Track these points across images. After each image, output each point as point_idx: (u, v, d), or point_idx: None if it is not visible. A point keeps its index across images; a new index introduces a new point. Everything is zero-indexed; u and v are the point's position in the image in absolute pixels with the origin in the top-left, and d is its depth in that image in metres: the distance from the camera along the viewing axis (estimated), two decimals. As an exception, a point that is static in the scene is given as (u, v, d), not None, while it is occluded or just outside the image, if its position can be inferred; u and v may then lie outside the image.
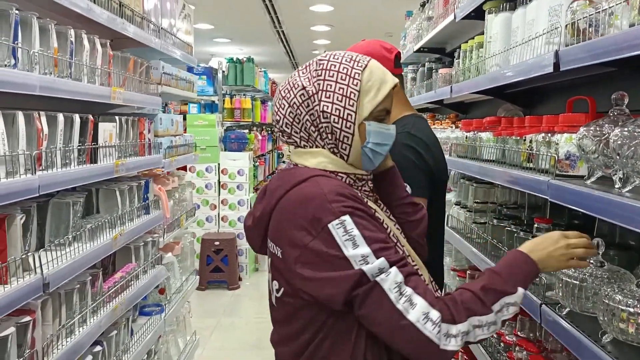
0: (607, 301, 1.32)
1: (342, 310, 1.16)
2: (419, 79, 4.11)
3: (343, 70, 1.27)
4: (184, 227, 3.48)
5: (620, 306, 1.27)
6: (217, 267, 6.01)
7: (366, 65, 1.29)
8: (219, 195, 6.40)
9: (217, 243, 6.00)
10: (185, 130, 6.15)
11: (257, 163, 7.42)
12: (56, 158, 1.85)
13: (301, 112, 1.28)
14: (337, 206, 1.15)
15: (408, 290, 1.12)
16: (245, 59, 7.04)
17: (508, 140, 2.11)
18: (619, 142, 1.28)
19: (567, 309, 1.57)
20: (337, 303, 1.15)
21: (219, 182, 6.40)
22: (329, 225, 1.14)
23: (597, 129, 1.44)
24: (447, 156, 2.82)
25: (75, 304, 2.03)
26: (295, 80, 1.30)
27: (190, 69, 6.19)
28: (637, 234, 1.79)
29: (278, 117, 1.32)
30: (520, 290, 1.20)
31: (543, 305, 1.64)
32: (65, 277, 1.86)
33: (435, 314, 1.10)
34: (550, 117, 1.81)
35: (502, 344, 2.09)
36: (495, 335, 2.18)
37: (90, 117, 2.12)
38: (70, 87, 1.91)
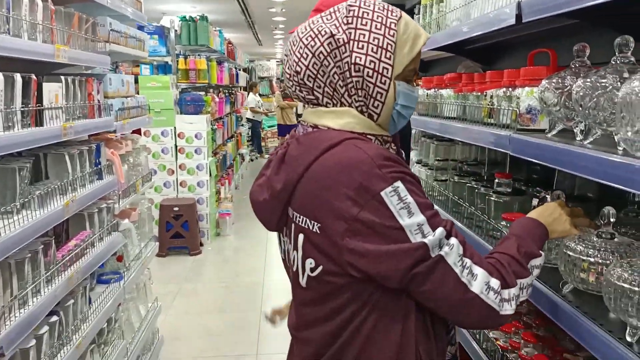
0: (568, 252, 1.34)
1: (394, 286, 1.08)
2: (378, 36, 4.04)
3: (377, 18, 1.14)
4: (140, 192, 3.38)
5: (581, 257, 1.29)
6: (177, 233, 5.92)
7: (401, 16, 1.17)
8: (177, 159, 6.25)
9: (176, 209, 5.89)
10: (137, 93, 5.94)
11: (215, 126, 7.26)
12: (-3, 121, 1.73)
13: (328, 64, 1.14)
14: (387, 171, 1.05)
15: (468, 262, 1.08)
16: (198, 18, 6.79)
17: (469, 97, 2.10)
18: (582, 93, 1.27)
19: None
20: (394, 280, 1.06)
21: (176, 147, 6.24)
22: (382, 193, 1.04)
23: (559, 81, 1.43)
24: (407, 114, 2.81)
25: (28, 273, 1.94)
26: (321, 26, 1.16)
27: (141, 28, 5.93)
28: (595, 186, 1.84)
29: (299, 68, 1.17)
30: (542, 252, 1.22)
31: (504, 259, 1.66)
32: (14, 247, 1.76)
33: (495, 282, 1.08)
34: (511, 71, 1.80)
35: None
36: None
37: (34, 76, 1.98)
38: (9, 44, 1.77)
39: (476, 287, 1.06)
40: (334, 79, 1.15)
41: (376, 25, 1.13)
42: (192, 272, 5.56)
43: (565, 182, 1.85)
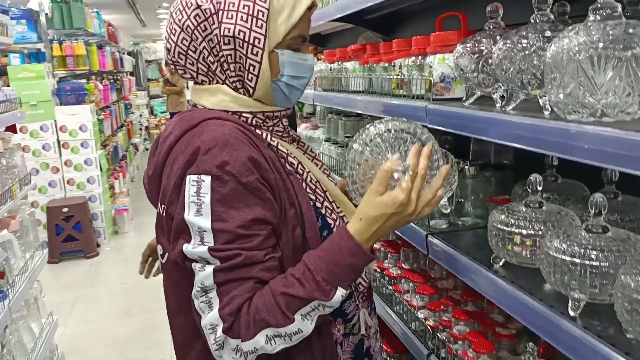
0: (497, 225, 1.27)
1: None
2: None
3: None
4: (18, 197, 2.98)
5: (513, 229, 1.23)
6: (69, 236, 5.42)
7: None
8: (61, 156, 5.69)
9: (65, 210, 5.38)
10: (7, 85, 5.31)
11: (102, 116, 6.71)
12: None
13: (197, 38, 1.07)
14: (206, 159, 0.98)
15: (212, 294, 0.98)
16: (71, -1, 6.17)
17: (376, 68, 2.00)
18: (502, 56, 1.19)
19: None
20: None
21: (59, 142, 5.67)
22: (187, 177, 1.00)
23: (475, 45, 1.35)
24: (311, 91, 2.67)
25: None
26: None
27: (4, 13, 5.27)
28: (512, 153, 1.81)
29: (169, 45, 1.10)
30: (339, 293, 0.97)
31: (429, 236, 1.58)
32: None
33: (219, 333, 0.97)
34: (420, 38, 1.71)
35: (386, 278, 2.06)
36: (378, 270, 2.14)
37: None
38: None
39: (205, 320, 0.99)
40: (205, 54, 1.08)
41: None
42: (90, 276, 5.13)
43: (480, 150, 1.81)
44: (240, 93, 1.10)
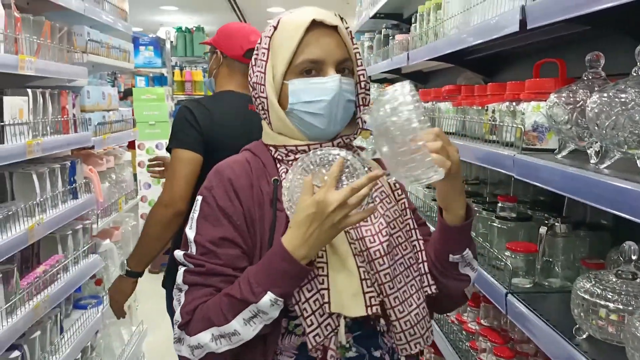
0: (582, 294, 1.15)
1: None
2: (376, 47, 3.88)
3: (262, 35, 1.17)
4: (123, 210, 3.20)
5: (598, 301, 1.10)
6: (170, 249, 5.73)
7: (278, 22, 1.14)
8: (171, 173, 6.07)
9: (169, 223, 5.70)
10: (132, 105, 5.79)
11: (211, 138, 7.10)
12: (-55, 139, 1.56)
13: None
14: (207, 183, 1.15)
15: (181, 294, 1.11)
16: (194, 29, 6.66)
17: (469, 111, 1.93)
18: (597, 110, 1.09)
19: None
20: None
21: (170, 160, 6.06)
22: (197, 197, 1.15)
23: (570, 95, 1.25)
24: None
25: (-18, 306, 1.76)
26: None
27: (135, 40, 5.80)
28: (611, 213, 1.65)
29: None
30: (267, 297, 0.99)
31: (509, 295, 1.47)
32: (-37, 278, 1.59)
33: (178, 330, 1.10)
34: (515, 83, 1.62)
35: (464, 332, 1.94)
36: (456, 322, 2.02)
37: (-9, 90, 1.82)
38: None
39: (175, 316, 1.11)
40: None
41: (261, 39, 1.16)
42: (185, 290, 5.35)
43: (576, 207, 1.67)
44: (270, 129, 1.17)
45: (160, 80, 6.78)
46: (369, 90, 1.18)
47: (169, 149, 2.06)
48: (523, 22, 1.37)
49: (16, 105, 1.96)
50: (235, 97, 2.10)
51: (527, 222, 1.70)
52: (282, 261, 1.00)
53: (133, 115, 3.51)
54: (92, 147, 2.65)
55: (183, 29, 6.61)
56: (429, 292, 1.14)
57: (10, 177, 2.14)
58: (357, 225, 1.10)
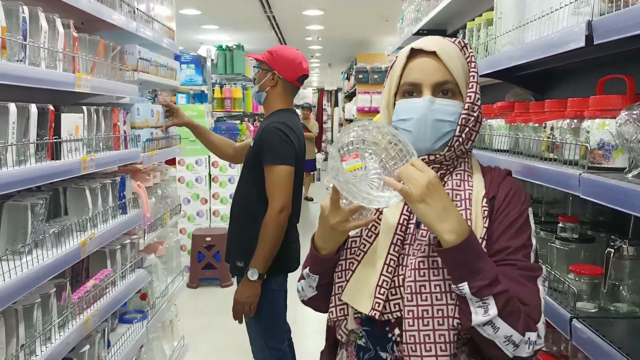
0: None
1: None
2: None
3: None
4: (167, 225, 3.24)
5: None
6: (209, 264, 5.77)
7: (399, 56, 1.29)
8: (210, 189, 6.15)
9: (208, 239, 5.75)
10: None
11: (250, 155, 7.15)
12: (7, 154, 1.60)
13: None
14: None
15: None
16: (235, 47, 6.75)
17: (524, 128, 1.88)
18: (676, 128, 1.04)
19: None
20: None
21: (210, 175, 6.14)
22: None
23: (643, 112, 1.20)
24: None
25: (37, 320, 1.79)
26: None
27: (177, 58, 5.91)
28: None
29: None
30: (305, 271, 1.31)
31: (574, 320, 1.41)
32: (21, 291, 1.62)
33: None
34: (577, 100, 1.57)
35: (519, 357, 1.86)
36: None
37: (50, 107, 1.86)
38: (24, 72, 1.66)
39: None
40: None
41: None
42: (222, 305, 5.35)
43: (643, 228, 1.59)
44: None
45: (200, 97, 6.88)
46: (475, 111, 1.19)
47: (268, 164, 2.41)
48: (589, 38, 1.33)
49: (72, 121, 2.01)
50: (297, 116, 2.62)
51: (590, 243, 1.63)
52: (312, 247, 1.26)
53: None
54: (141, 163, 2.70)
55: (224, 47, 6.72)
56: (453, 323, 1.08)
57: (64, 192, 2.18)
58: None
